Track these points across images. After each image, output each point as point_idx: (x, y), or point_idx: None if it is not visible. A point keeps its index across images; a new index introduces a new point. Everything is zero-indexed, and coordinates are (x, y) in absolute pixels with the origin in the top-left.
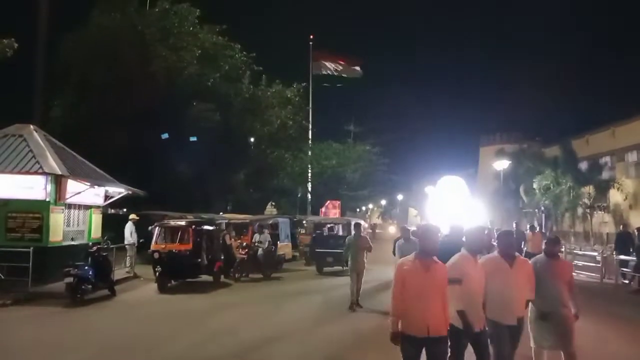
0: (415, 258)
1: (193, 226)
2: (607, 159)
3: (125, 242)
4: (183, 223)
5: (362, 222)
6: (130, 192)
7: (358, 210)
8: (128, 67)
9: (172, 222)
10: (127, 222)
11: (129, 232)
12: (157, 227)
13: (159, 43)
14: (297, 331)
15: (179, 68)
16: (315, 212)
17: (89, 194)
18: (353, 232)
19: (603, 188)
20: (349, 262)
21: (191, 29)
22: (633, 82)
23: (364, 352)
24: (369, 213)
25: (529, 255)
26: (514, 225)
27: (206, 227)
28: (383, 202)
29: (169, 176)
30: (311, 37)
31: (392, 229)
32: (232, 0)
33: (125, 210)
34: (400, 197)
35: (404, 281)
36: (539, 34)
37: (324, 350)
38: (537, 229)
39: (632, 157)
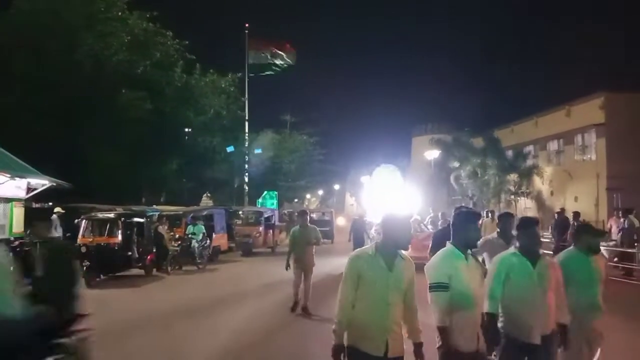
0: (376, 250)
1: (122, 218)
2: (531, 147)
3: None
4: (112, 215)
5: (307, 210)
6: (54, 184)
7: (295, 200)
8: (51, 54)
9: (100, 215)
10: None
11: (53, 226)
12: (84, 220)
13: (84, 29)
14: (228, 332)
15: (106, 55)
16: (253, 202)
17: (10, 186)
18: (298, 221)
19: (526, 175)
20: (293, 257)
21: (120, 14)
22: (556, 74)
23: None
24: (306, 203)
25: None
26: (439, 215)
27: (137, 219)
28: (320, 192)
29: (98, 167)
30: (246, 25)
31: (342, 220)
32: None
33: (50, 203)
34: (337, 187)
35: (358, 280)
36: (470, 27)
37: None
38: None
39: (553, 145)
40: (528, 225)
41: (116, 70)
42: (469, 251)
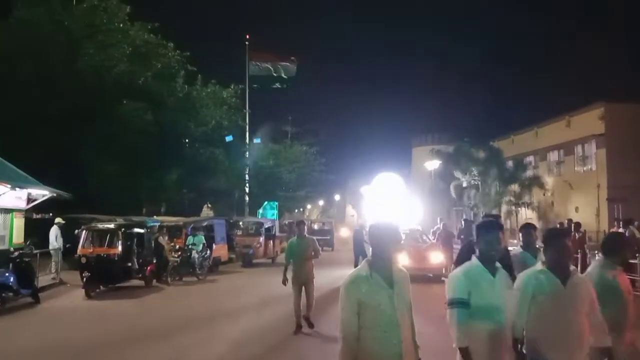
0: (371, 269)
1: (122, 229)
2: (531, 158)
3: (50, 247)
4: (112, 226)
5: (305, 220)
6: (55, 195)
7: (296, 210)
8: (53, 64)
9: (100, 225)
10: (52, 226)
11: (54, 237)
12: (84, 231)
13: (86, 40)
14: (227, 345)
15: (107, 66)
16: (253, 213)
17: (10, 197)
18: (295, 232)
19: (527, 186)
20: (291, 271)
21: (121, 25)
22: (554, 85)
23: None
24: (307, 213)
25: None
26: (439, 221)
27: (137, 229)
28: (321, 202)
29: (98, 178)
30: (247, 37)
31: (345, 231)
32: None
33: (51, 214)
34: (337, 197)
35: (359, 307)
36: (471, 39)
37: None
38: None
39: (553, 156)
40: (556, 237)
41: (117, 81)
42: (497, 264)
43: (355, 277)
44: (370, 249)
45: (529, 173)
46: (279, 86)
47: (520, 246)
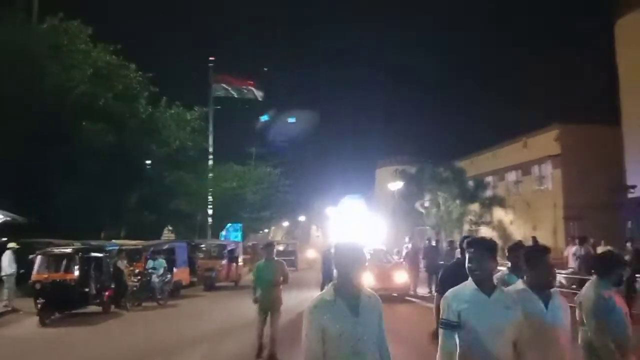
0: (335, 295)
1: (80, 253)
2: (490, 178)
3: (3, 273)
4: (68, 250)
5: (274, 242)
6: (8, 219)
7: (260, 232)
8: (14, 83)
9: (56, 250)
10: (5, 251)
11: (7, 262)
12: (39, 256)
13: (49, 60)
14: None
15: (68, 87)
16: (216, 235)
17: None
18: (263, 254)
19: (487, 205)
20: (258, 298)
21: (83, 46)
22: (512, 107)
23: None
24: (271, 235)
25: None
26: (407, 239)
27: (95, 254)
28: (286, 223)
29: (57, 201)
30: (211, 59)
31: (312, 253)
32: (132, 21)
33: (5, 239)
34: (302, 218)
35: (323, 334)
36: (430, 65)
37: None
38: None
39: (511, 176)
40: (538, 256)
41: (78, 102)
42: (495, 283)
43: (319, 301)
44: (335, 271)
45: (489, 193)
46: (244, 105)
47: (507, 268)
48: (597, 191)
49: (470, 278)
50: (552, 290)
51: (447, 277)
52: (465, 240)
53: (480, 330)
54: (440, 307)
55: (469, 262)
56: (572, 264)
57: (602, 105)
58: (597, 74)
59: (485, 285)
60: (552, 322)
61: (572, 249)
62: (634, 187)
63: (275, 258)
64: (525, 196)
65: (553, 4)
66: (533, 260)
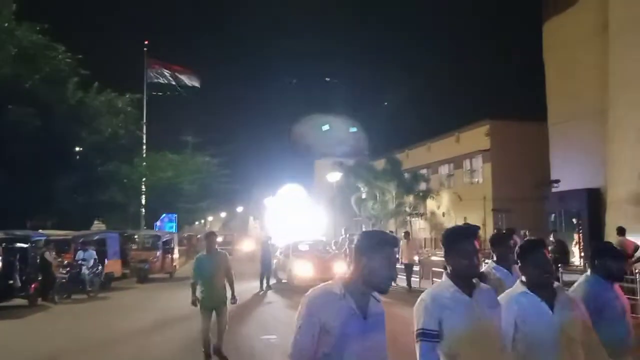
0: (344, 289)
1: (3, 244)
2: (425, 171)
3: None
4: None
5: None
6: None
7: (197, 222)
8: None
9: None
10: None
11: None
12: None
13: None
14: None
15: None
16: (150, 226)
17: None
18: (203, 245)
19: (422, 197)
20: (199, 293)
21: (6, 24)
22: (446, 102)
23: None
24: (208, 226)
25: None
26: (343, 231)
27: (20, 244)
28: (223, 214)
29: None
30: (146, 42)
31: (249, 245)
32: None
33: None
34: (240, 208)
35: (320, 333)
36: (367, 58)
37: None
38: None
39: (444, 169)
40: (533, 249)
41: (1, 85)
42: (474, 281)
43: (324, 292)
44: (355, 265)
45: (423, 185)
46: (181, 91)
47: (493, 261)
48: (524, 185)
49: (444, 275)
50: (555, 287)
51: None
52: (447, 232)
53: (463, 339)
54: (417, 314)
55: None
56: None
57: (530, 102)
58: (526, 73)
59: (466, 285)
60: (561, 326)
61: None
62: (557, 181)
63: (219, 250)
64: (457, 189)
65: (486, 3)
66: (528, 256)
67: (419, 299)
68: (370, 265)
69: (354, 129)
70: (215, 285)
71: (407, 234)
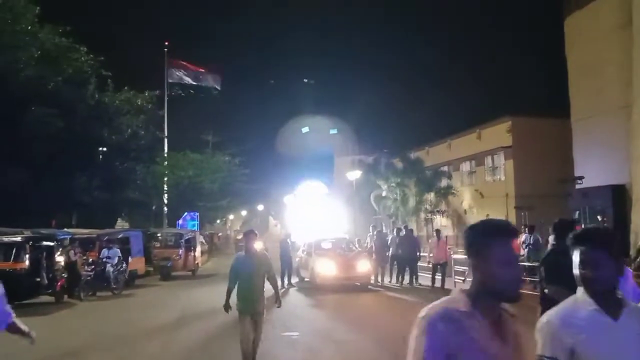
0: (472, 305)
1: (30, 242)
2: (445, 168)
3: None
4: (18, 239)
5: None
6: None
7: (218, 221)
8: None
9: (5, 239)
10: None
11: None
12: None
13: None
14: None
15: (13, 69)
16: (172, 224)
17: None
18: (244, 246)
19: (443, 194)
20: (237, 299)
21: (29, 27)
22: (466, 99)
23: None
24: (229, 224)
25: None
26: (371, 229)
27: (46, 242)
28: (244, 212)
29: (2, 188)
30: (166, 43)
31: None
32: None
33: None
34: (260, 207)
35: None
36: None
37: None
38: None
39: (465, 167)
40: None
41: (25, 85)
42: (619, 296)
43: (446, 312)
44: (473, 271)
45: (444, 183)
46: (200, 92)
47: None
48: (547, 182)
49: (580, 288)
50: (618, 293)
51: (550, 270)
52: (572, 234)
53: None
54: (541, 337)
55: (581, 267)
56: (522, 252)
57: (552, 98)
58: (548, 69)
59: (609, 302)
60: (627, 340)
61: (522, 237)
62: (581, 178)
63: (259, 251)
64: (479, 186)
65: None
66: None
67: (544, 319)
68: (486, 268)
69: (334, 131)
70: (255, 289)
71: (438, 232)
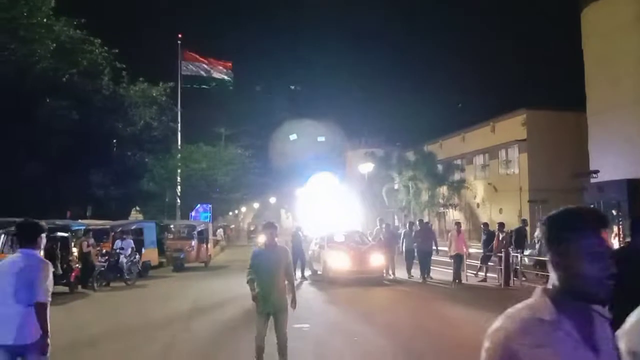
0: (558, 311)
1: (45, 233)
2: (459, 162)
3: None
4: None
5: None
6: None
7: (230, 213)
8: None
9: None
10: None
11: None
12: (2, 235)
13: (6, 34)
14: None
15: (29, 62)
16: (185, 216)
17: None
18: (262, 239)
19: (456, 188)
20: (258, 295)
21: (45, 20)
22: (480, 92)
23: None
24: (242, 216)
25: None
26: (378, 222)
27: (60, 233)
28: (256, 205)
29: (19, 180)
30: (179, 36)
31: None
32: None
33: None
34: (273, 199)
35: None
36: (402, 52)
37: None
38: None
39: (479, 160)
40: None
41: (40, 78)
42: None
43: (526, 325)
44: (555, 268)
45: (457, 176)
46: (214, 86)
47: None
48: (561, 175)
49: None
50: None
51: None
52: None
53: None
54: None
55: None
56: (536, 247)
57: (568, 91)
58: (564, 61)
59: None
60: None
61: (536, 231)
62: (596, 172)
63: (279, 244)
64: (492, 179)
65: None
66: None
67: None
68: (573, 265)
69: (321, 138)
70: (275, 286)
71: (458, 225)
